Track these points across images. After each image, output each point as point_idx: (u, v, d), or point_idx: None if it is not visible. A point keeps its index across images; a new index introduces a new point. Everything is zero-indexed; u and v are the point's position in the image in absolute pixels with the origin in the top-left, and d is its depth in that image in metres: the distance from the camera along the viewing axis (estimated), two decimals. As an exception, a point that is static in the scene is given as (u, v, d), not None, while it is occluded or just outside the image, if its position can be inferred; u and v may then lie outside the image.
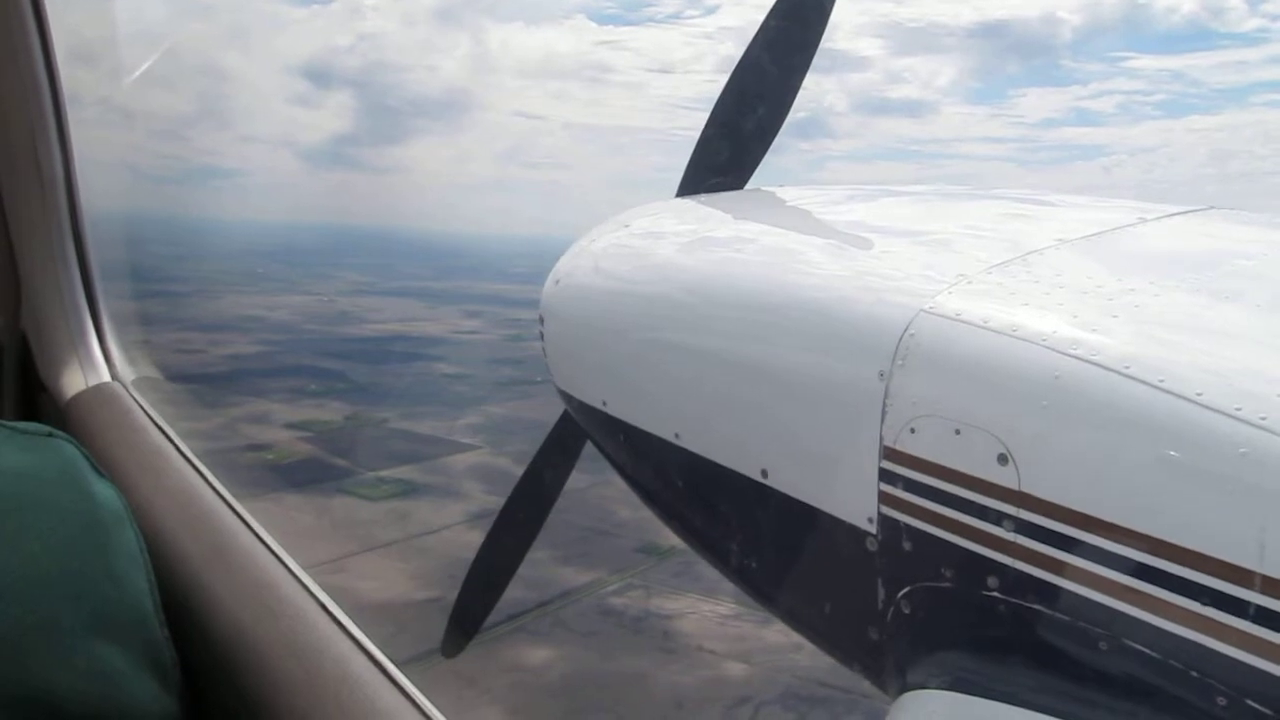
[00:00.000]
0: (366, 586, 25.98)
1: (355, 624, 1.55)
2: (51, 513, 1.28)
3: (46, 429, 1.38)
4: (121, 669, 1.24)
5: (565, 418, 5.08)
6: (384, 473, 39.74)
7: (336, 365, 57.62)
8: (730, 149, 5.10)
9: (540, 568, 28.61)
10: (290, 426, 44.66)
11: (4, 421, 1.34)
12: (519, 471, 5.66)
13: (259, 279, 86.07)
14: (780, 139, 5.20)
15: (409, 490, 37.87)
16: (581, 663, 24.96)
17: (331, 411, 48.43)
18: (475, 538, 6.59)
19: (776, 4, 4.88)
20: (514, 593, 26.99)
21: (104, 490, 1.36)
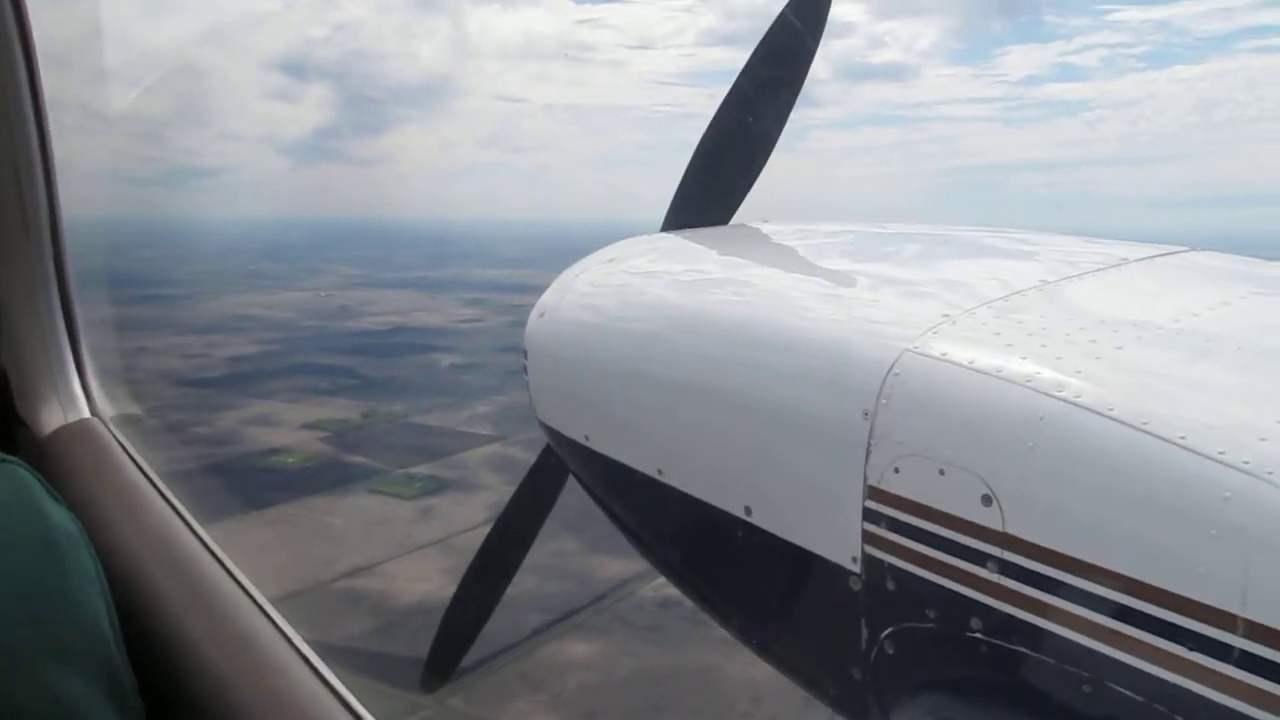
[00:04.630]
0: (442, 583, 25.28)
1: (338, 678, 1.48)
2: (4, 537, 1.26)
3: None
4: (79, 692, 1.22)
5: (547, 451, 5.07)
6: (412, 470, 39.18)
7: (343, 361, 57.19)
8: (715, 185, 5.13)
9: (589, 562, 28.06)
10: (306, 427, 43.98)
11: None
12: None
13: (253, 277, 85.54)
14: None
15: (440, 486, 37.26)
16: (648, 658, 24.42)
17: (345, 409, 47.82)
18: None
19: (760, 45, 4.91)
20: (568, 588, 26.69)
21: (59, 514, 1.35)
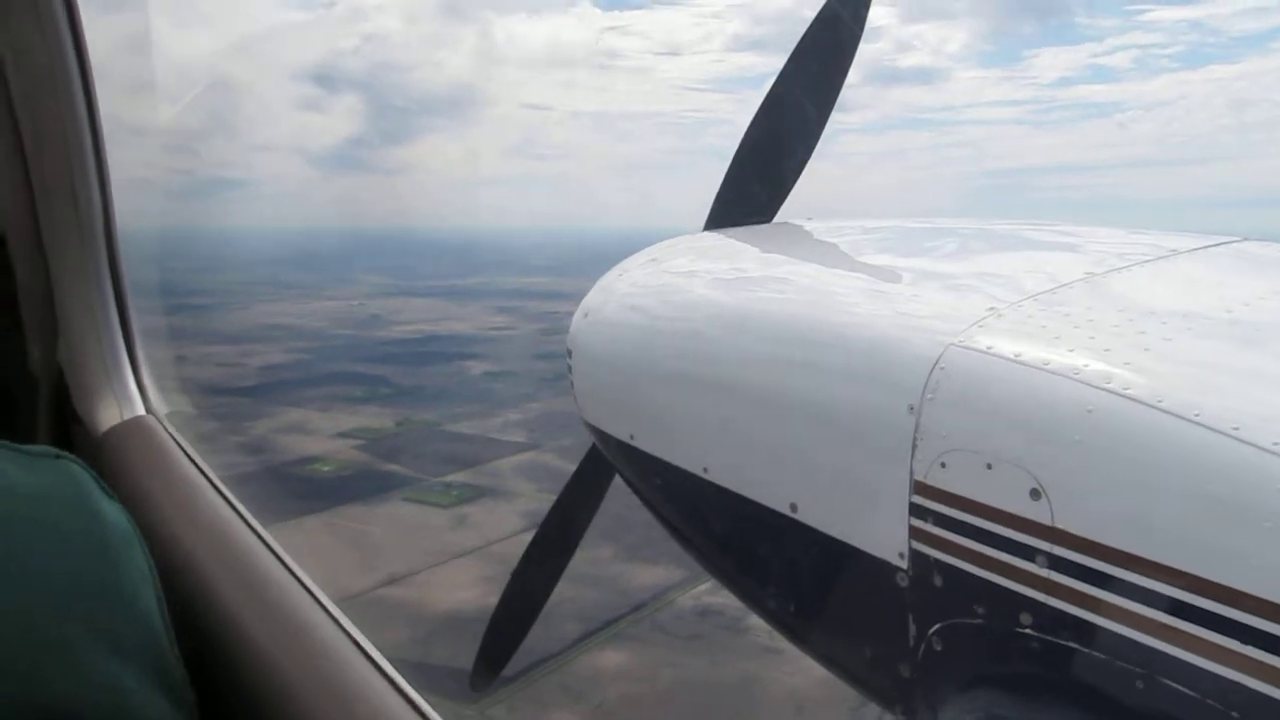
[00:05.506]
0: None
1: (392, 666, 1.47)
2: (59, 533, 1.27)
3: (54, 451, 1.38)
4: (133, 688, 1.22)
5: (593, 451, 5.10)
6: (447, 478, 39.26)
7: (376, 370, 57.46)
8: (757, 185, 5.12)
9: (627, 569, 27.94)
10: (340, 435, 44.22)
11: (11, 444, 1.31)
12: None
13: (284, 287, 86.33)
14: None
15: (476, 494, 37.35)
16: (689, 668, 24.21)
17: (378, 418, 48.07)
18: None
19: (800, 45, 4.92)
20: (607, 597, 26.57)
21: (113, 511, 1.36)
